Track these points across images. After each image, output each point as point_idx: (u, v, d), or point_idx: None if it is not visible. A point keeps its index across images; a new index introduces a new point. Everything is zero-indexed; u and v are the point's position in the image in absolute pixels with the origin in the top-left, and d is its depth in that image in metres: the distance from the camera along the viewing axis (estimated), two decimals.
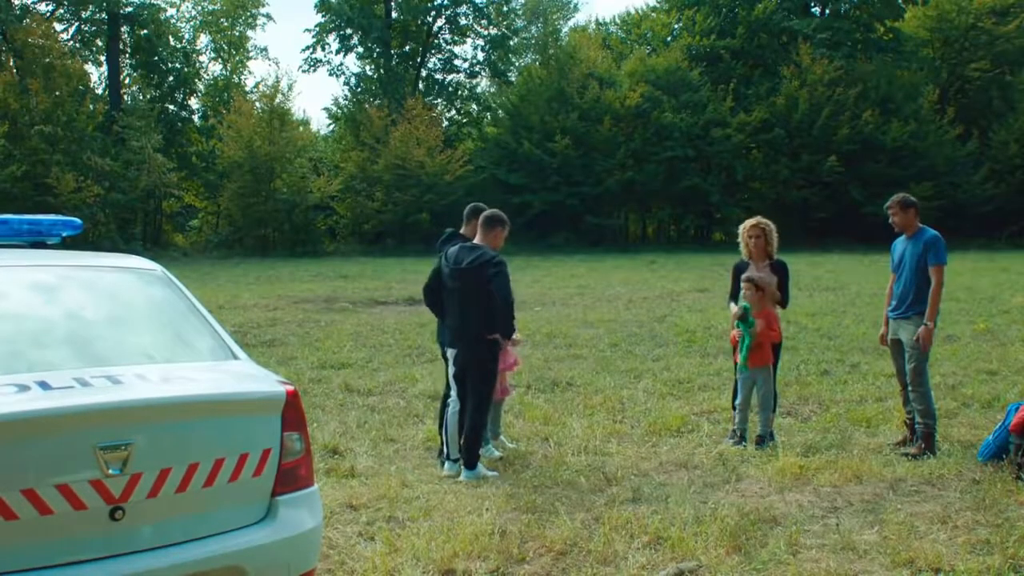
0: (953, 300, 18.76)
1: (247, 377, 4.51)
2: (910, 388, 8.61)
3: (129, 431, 3.76)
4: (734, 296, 9.34)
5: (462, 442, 7.96)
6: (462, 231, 8.47)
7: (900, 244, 8.84)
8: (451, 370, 8.17)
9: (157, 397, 3.95)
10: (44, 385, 3.82)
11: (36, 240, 5.57)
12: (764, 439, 8.76)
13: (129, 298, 4.95)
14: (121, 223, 44.72)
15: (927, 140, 47.84)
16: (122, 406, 3.81)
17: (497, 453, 8.58)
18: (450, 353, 8.17)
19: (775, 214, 35.36)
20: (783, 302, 9.19)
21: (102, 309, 4.76)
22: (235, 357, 4.67)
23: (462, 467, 7.92)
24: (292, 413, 4.29)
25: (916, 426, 8.58)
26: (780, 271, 9.14)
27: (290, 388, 4.34)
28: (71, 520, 3.63)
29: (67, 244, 5.94)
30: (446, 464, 8.10)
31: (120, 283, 5.03)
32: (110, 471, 3.68)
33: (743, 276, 9.01)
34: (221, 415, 4.09)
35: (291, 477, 4.27)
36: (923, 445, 8.40)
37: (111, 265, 5.16)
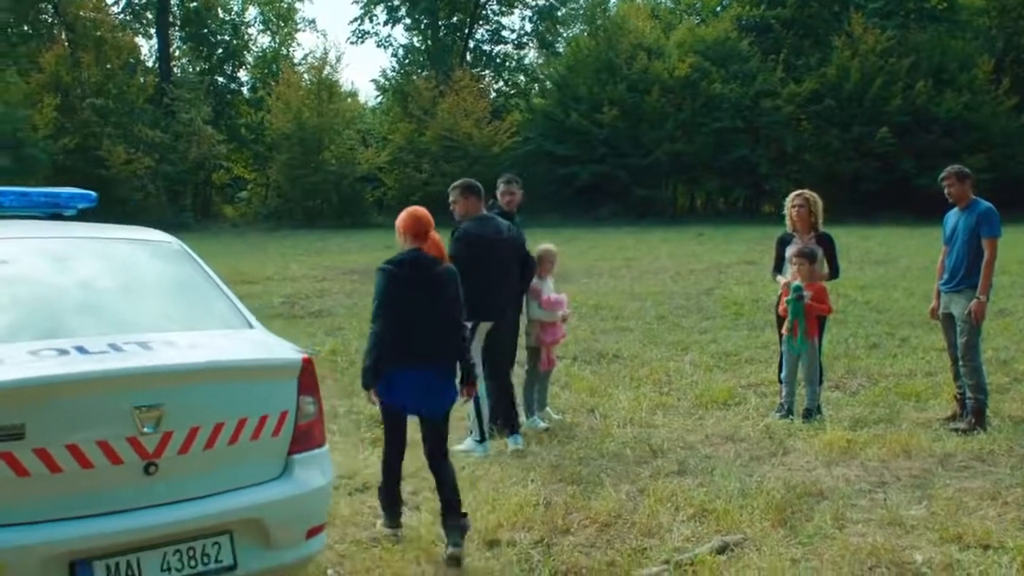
0: (1006, 274, 18.45)
1: (265, 344, 4.79)
2: (961, 362, 8.51)
3: (162, 393, 4.02)
4: (778, 268, 9.26)
5: (492, 411, 8.04)
6: (458, 207, 8.19)
7: (953, 216, 8.71)
8: (480, 344, 7.94)
9: (188, 362, 4.25)
10: (81, 350, 4.06)
11: (53, 212, 5.71)
12: (811, 412, 8.69)
13: (148, 269, 5.17)
14: (171, 195, 45.17)
15: (981, 111, 46.89)
16: (157, 370, 4.08)
17: (543, 424, 8.60)
18: (484, 327, 7.97)
19: (825, 186, 34.94)
20: (833, 274, 9.11)
21: (123, 279, 4.98)
22: (250, 326, 4.90)
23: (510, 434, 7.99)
24: (307, 378, 4.56)
25: (966, 401, 8.47)
26: (826, 243, 9.04)
27: (305, 355, 4.62)
28: (109, 473, 3.91)
29: (85, 216, 6.02)
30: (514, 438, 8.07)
31: (139, 254, 5.25)
32: (145, 429, 3.95)
33: (793, 252, 8.92)
34: (244, 379, 4.38)
35: (305, 437, 4.57)
36: (973, 420, 8.30)
37: (130, 237, 5.38)
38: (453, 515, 5.67)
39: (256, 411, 4.33)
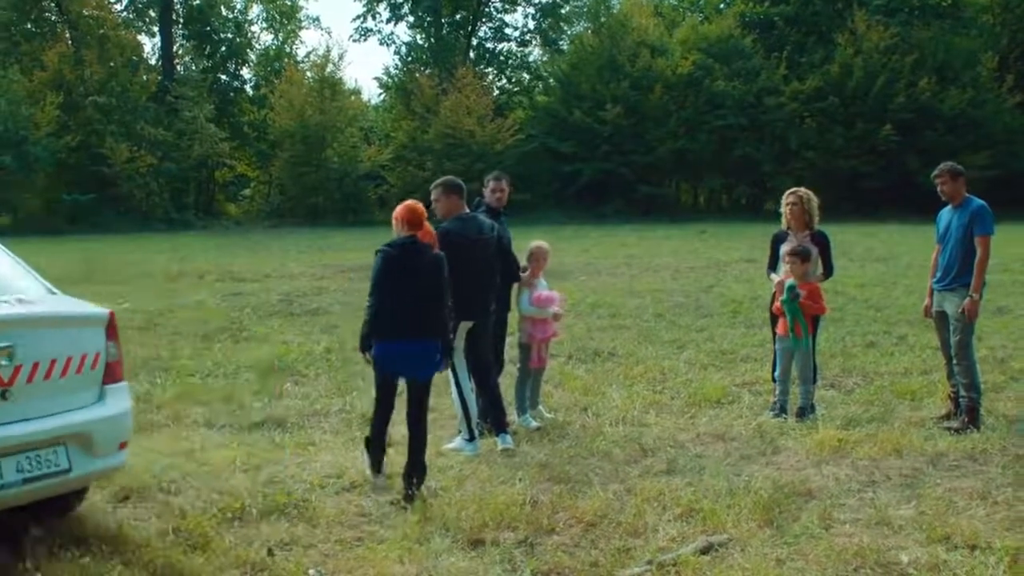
0: (1007, 271, 18.35)
1: (76, 303, 6.14)
2: (954, 361, 8.46)
3: (13, 335, 5.25)
4: (772, 266, 9.21)
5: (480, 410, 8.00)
6: (440, 205, 8.09)
7: (946, 214, 8.66)
8: (461, 344, 7.92)
9: (33, 312, 5.59)
10: None
11: None
12: (805, 411, 8.65)
13: None
14: (174, 192, 45.25)
15: (985, 108, 46.89)
16: (11, 318, 5.37)
17: (534, 423, 8.55)
18: (465, 326, 7.89)
19: (828, 184, 34.97)
20: (827, 272, 9.07)
21: None
22: (53, 293, 6.12)
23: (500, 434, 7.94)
24: (111, 329, 5.91)
25: (960, 399, 8.43)
26: (821, 242, 8.99)
27: (111, 311, 5.97)
28: None
29: None
30: (505, 438, 8.01)
31: None
32: (2, 363, 5.16)
33: (786, 251, 8.88)
34: (70, 327, 5.76)
35: (112, 373, 5.89)
36: (966, 419, 8.24)
37: None
38: (418, 469, 6.71)
39: (79, 351, 5.61)
